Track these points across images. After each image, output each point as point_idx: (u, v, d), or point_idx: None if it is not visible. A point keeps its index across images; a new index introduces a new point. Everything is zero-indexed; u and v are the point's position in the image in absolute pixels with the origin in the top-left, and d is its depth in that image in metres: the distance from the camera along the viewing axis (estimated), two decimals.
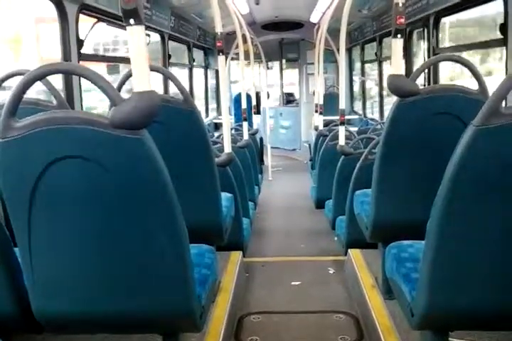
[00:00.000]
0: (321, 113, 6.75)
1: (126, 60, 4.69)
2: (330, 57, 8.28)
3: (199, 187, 2.66)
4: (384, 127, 2.54)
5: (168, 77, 2.78)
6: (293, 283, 3.51)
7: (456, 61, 2.48)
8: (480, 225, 1.61)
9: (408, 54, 5.51)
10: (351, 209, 3.32)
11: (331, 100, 7.63)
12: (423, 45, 4.99)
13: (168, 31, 6.03)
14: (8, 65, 4.79)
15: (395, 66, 2.41)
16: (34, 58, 5.42)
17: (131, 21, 1.45)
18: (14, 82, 1.62)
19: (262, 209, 6.00)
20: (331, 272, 3.71)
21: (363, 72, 8.79)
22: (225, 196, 3.07)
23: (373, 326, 2.62)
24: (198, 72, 8.54)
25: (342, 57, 4.49)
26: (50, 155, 1.52)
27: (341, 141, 4.13)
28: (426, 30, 4.79)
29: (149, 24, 5.10)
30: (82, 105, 3.59)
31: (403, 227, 2.44)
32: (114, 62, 5.12)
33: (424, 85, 4.69)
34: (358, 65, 9.22)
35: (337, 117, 4.66)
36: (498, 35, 3.48)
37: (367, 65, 8.63)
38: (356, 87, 9.74)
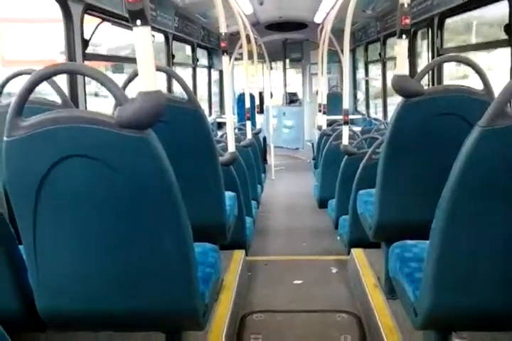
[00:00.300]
0: (324, 112, 6.75)
1: (131, 60, 4.71)
2: (333, 57, 8.28)
3: (203, 186, 2.66)
4: (388, 127, 2.54)
5: (173, 77, 2.79)
6: (295, 282, 3.52)
7: (462, 61, 2.48)
8: (485, 226, 1.61)
9: (412, 54, 5.50)
10: (354, 209, 3.32)
11: (334, 100, 7.65)
12: (425, 46, 5.00)
13: (173, 31, 6.04)
14: None
15: (400, 66, 2.41)
16: None
17: (138, 22, 1.46)
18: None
19: (265, 208, 6.01)
20: (334, 271, 3.72)
21: (366, 73, 8.79)
22: (228, 195, 3.08)
23: (376, 325, 2.63)
24: (202, 73, 8.55)
25: (346, 58, 4.49)
26: (56, 154, 1.53)
27: (345, 140, 4.13)
28: (430, 31, 4.79)
29: (153, 24, 5.11)
30: (86, 105, 3.60)
31: (406, 227, 2.44)
32: (119, 62, 5.13)
33: (428, 85, 4.69)
34: (361, 65, 9.22)
35: (340, 117, 4.67)
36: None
37: (370, 65, 8.63)
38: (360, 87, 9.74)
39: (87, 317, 1.79)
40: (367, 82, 8.87)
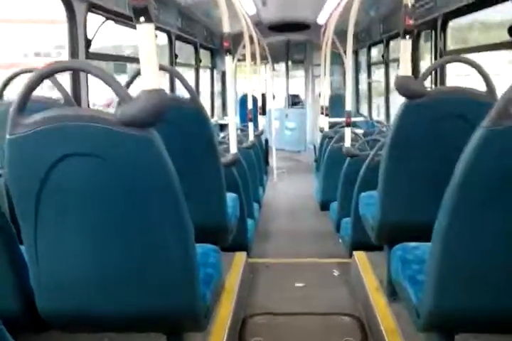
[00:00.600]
0: (326, 115, 6.74)
1: (134, 59, 4.70)
2: (336, 58, 8.27)
3: (205, 187, 2.65)
4: (391, 128, 2.53)
5: (176, 77, 2.78)
6: (297, 284, 3.50)
7: (465, 62, 2.47)
8: (488, 228, 1.60)
9: (416, 55, 5.49)
10: (356, 211, 3.31)
11: (336, 102, 7.62)
12: (427, 46, 4.99)
13: (176, 31, 6.04)
14: None
15: (404, 67, 2.40)
16: None
17: (142, 19, 1.45)
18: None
19: (267, 210, 5.99)
20: (336, 274, 3.70)
21: (369, 74, 8.78)
22: (230, 196, 3.06)
23: (378, 328, 2.61)
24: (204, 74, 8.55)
25: (349, 59, 4.48)
26: (58, 152, 1.52)
27: (347, 142, 4.12)
28: (434, 32, 4.78)
29: (156, 23, 5.10)
30: (88, 103, 3.59)
31: (409, 229, 2.43)
32: (122, 61, 5.12)
33: (431, 87, 4.68)
34: (364, 67, 9.21)
35: (343, 119, 4.66)
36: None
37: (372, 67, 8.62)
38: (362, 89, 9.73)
39: (87, 318, 1.78)
40: (369, 84, 8.86)
